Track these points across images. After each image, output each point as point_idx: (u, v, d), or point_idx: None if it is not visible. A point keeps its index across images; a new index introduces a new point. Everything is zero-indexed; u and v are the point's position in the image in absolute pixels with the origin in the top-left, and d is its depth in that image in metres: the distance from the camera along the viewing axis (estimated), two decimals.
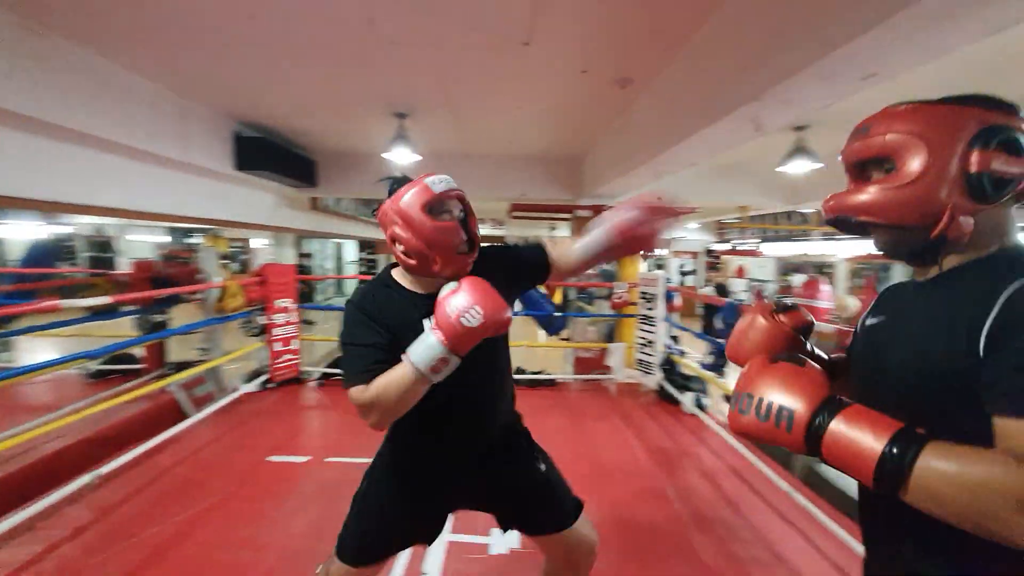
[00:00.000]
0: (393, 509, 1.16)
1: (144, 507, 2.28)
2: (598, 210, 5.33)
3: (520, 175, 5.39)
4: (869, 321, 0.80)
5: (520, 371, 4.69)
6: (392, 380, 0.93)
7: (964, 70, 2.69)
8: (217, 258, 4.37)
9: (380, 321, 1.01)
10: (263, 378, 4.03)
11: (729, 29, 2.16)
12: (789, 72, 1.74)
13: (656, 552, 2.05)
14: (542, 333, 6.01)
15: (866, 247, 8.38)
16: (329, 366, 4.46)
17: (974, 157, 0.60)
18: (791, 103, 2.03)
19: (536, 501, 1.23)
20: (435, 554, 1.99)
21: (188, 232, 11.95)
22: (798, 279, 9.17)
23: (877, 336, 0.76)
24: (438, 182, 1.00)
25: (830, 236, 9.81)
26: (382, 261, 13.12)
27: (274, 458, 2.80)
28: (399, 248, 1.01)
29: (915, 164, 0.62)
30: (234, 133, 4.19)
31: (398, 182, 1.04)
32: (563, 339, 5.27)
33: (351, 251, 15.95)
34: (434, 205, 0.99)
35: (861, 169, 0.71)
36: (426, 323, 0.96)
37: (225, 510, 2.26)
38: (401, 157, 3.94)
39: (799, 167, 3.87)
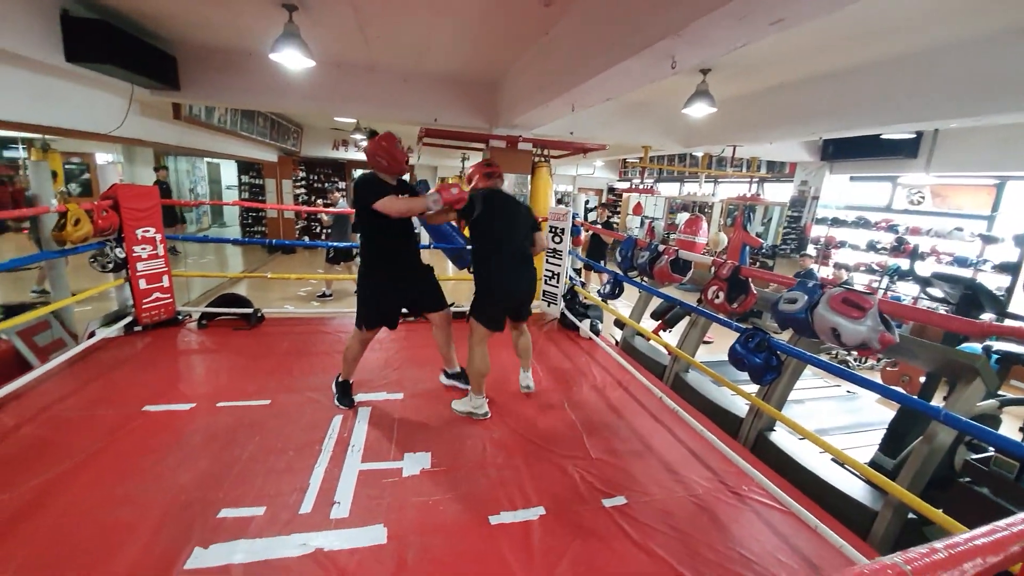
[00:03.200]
0: (375, 294, 2.49)
1: None
2: (513, 141, 5.17)
3: (433, 97, 4.89)
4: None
5: None
6: (411, 200, 2.38)
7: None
8: (50, 176, 3.50)
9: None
10: (126, 321, 3.47)
11: None
12: (709, 8, 1.73)
13: (556, 452, 2.35)
14: (451, 266, 5.94)
15: (739, 190, 9.34)
16: (214, 304, 3.96)
17: (476, 180, 2.65)
18: (706, 42, 2.05)
19: (434, 297, 2.70)
20: (347, 482, 1.99)
21: (2, 143, 9.45)
22: (682, 217, 10.05)
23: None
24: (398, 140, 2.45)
25: (712, 179, 10.70)
26: (271, 186, 11.74)
27: (152, 407, 2.50)
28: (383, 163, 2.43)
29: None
30: (61, 11, 3.18)
31: (373, 133, 2.56)
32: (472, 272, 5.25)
33: (230, 174, 13.72)
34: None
35: (470, 182, 2.68)
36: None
37: (94, 468, 1.99)
38: (291, 60, 3.30)
39: (699, 110, 4.01)
